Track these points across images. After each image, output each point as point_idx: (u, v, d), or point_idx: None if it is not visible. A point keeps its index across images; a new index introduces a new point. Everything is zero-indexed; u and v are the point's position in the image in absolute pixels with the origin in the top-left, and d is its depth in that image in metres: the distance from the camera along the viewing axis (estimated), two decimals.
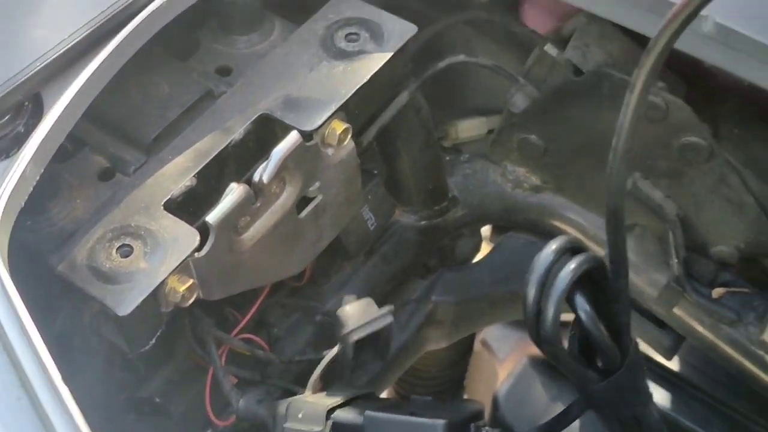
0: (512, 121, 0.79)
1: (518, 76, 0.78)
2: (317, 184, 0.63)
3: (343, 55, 0.63)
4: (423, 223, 0.82)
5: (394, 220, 0.81)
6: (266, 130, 0.61)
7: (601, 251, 0.83)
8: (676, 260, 0.78)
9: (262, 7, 0.69)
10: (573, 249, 0.49)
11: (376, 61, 0.63)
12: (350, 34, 0.64)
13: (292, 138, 0.58)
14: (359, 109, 0.63)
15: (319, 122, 0.60)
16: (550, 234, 0.85)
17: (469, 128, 0.86)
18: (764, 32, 0.60)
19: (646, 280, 0.81)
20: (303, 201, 0.63)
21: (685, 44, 0.62)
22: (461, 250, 0.88)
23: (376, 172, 0.76)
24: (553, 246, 0.49)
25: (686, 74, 0.74)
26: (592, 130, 0.76)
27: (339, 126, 0.61)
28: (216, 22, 0.68)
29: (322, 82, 0.62)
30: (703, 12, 0.58)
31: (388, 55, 0.63)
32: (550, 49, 0.75)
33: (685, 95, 0.74)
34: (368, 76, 0.62)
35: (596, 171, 0.79)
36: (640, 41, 0.70)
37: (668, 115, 0.71)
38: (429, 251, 0.85)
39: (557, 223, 0.85)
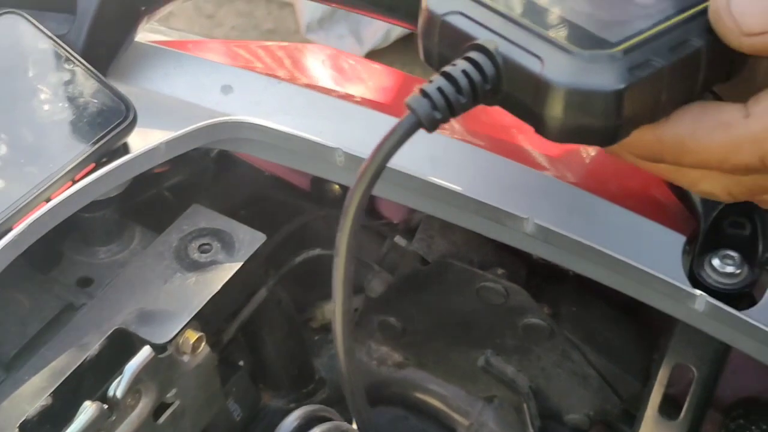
0: (370, 305, 0.84)
1: (374, 263, 0.83)
2: (174, 390, 0.66)
3: (196, 266, 0.67)
4: (292, 405, 0.85)
5: (263, 405, 0.84)
6: (122, 344, 0.64)
7: (463, 421, 0.88)
8: (531, 430, 0.83)
9: (121, 217, 0.73)
10: (316, 419, 0.53)
11: (227, 271, 0.67)
12: (203, 245, 0.68)
13: (144, 353, 0.62)
14: (214, 315, 0.67)
15: (172, 335, 0.63)
16: (416, 407, 0.89)
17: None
18: (578, 230, 0.66)
19: None
20: (161, 407, 0.66)
21: (513, 240, 0.68)
22: None
23: (241, 362, 0.80)
24: (295, 415, 0.53)
25: (526, 258, 0.81)
26: (442, 312, 0.82)
27: (192, 335, 0.65)
28: (78, 235, 0.72)
29: (176, 294, 0.66)
30: (524, 215, 0.65)
31: (239, 265, 0.67)
32: (399, 240, 0.80)
33: (525, 278, 0.81)
34: (219, 287, 0.66)
35: (452, 347, 0.85)
36: None
37: (508, 299, 0.77)
38: None
39: (421, 396, 0.89)
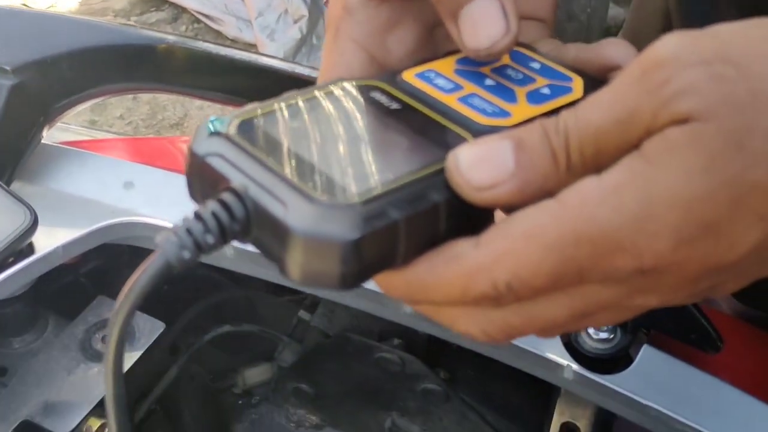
0: (283, 373, 0.89)
1: (283, 335, 0.88)
2: None
3: (99, 357, 0.72)
4: None
5: None
6: None
7: None
8: None
9: (34, 307, 0.78)
10: None
11: (127, 360, 0.72)
12: (106, 335, 0.73)
13: None
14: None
15: (74, 425, 0.68)
16: None
17: (255, 375, 0.95)
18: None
19: None
20: None
21: (397, 317, 0.73)
22: None
23: None
24: None
25: None
26: (348, 378, 0.87)
27: (95, 423, 0.70)
28: None
29: (78, 384, 0.71)
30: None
31: (138, 354, 0.72)
32: (303, 314, 0.86)
33: (426, 343, 0.85)
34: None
35: (362, 409, 0.90)
36: None
37: (405, 367, 0.82)
38: None
39: None
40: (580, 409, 0.79)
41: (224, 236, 0.37)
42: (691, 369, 0.70)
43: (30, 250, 0.72)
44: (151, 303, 0.78)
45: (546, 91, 0.46)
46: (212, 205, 0.37)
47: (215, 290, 0.90)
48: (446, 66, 0.47)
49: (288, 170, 0.38)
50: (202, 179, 0.39)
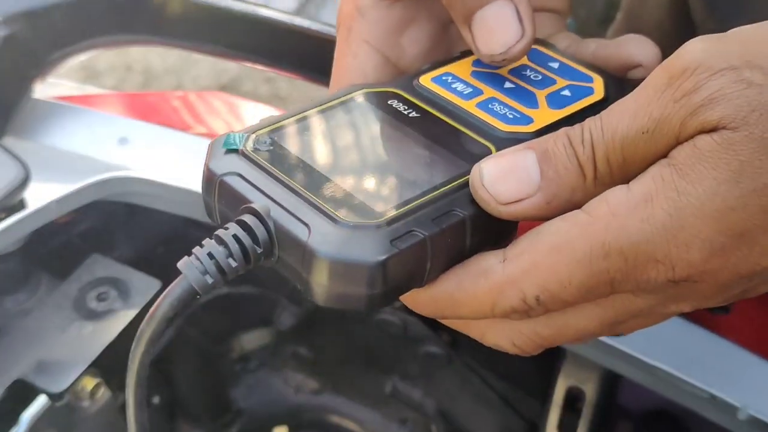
0: (282, 337, 0.88)
1: (283, 297, 0.87)
2: None
3: (93, 315, 0.70)
4: None
5: None
6: (21, 395, 0.67)
7: None
8: None
9: (27, 266, 0.76)
10: None
11: (122, 319, 0.70)
12: (101, 293, 0.71)
13: (40, 402, 0.65)
14: (113, 361, 0.70)
15: (68, 383, 0.66)
16: (335, 430, 0.93)
17: (253, 339, 0.93)
18: None
19: None
20: None
21: None
22: None
23: (156, 398, 0.83)
24: None
25: None
26: (348, 342, 0.85)
27: (90, 382, 0.68)
28: None
29: (73, 343, 0.69)
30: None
31: (134, 312, 0.70)
32: None
33: None
34: (115, 335, 0.69)
35: (362, 374, 0.88)
36: None
37: (406, 330, 0.80)
38: None
39: (339, 420, 0.92)
40: (586, 373, 0.77)
41: (247, 260, 0.37)
42: (699, 330, 0.69)
43: (21, 206, 0.70)
44: (146, 263, 0.76)
45: (567, 93, 0.45)
46: (233, 227, 0.37)
47: None
48: (463, 68, 0.46)
49: (309, 189, 0.37)
50: (220, 199, 0.39)
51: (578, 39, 0.49)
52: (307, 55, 0.68)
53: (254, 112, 0.82)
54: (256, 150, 0.39)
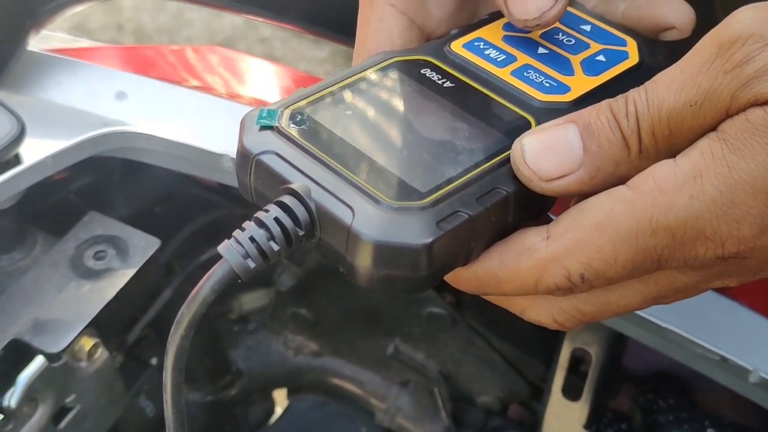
0: (281, 298, 0.86)
1: (283, 258, 0.85)
2: (73, 396, 0.67)
3: (91, 274, 0.69)
4: (209, 398, 0.87)
5: None
6: (17, 355, 0.66)
7: (380, 404, 0.90)
8: (444, 413, 0.86)
9: (23, 224, 0.74)
10: None
11: (121, 278, 0.68)
12: (99, 252, 0.70)
13: (37, 363, 0.63)
14: (112, 321, 0.69)
15: (65, 343, 0.65)
16: (335, 392, 0.92)
17: (252, 300, 0.92)
18: None
19: (423, 431, 0.88)
20: (62, 411, 0.68)
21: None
22: (253, 415, 0.93)
23: (154, 360, 0.81)
24: None
25: None
26: (350, 303, 0.84)
27: (88, 342, 0.66)
28: None
29: (70, 302, 0.67)
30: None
31: (133, 271, 0.69)
32: None
33: None
34: (113, 294, 0.67)
35: (364, 335, 0.87)
36: None
37: None
38: (220, 422, 0.90)
39: (339, 382, 0.91)
40: (591, 335, 0.76)
41: (289, 243, 0.36)
42: (710, 292, 0.68)
43: (17, 161, 0.68)
44: (145, 222, 0.75)
45: (601, 58, 0.44)
46: (274, 209, 0.36)
47: (212, 208, 0.86)
48: (494, 33, 0.45)
49: (349, 168, 0.36)
50: (256, 177, 0.38)
51: None
52: (314, 7, 0.66)
53: (253, 67, 0.80)
54: (291, 126, 0.38)
